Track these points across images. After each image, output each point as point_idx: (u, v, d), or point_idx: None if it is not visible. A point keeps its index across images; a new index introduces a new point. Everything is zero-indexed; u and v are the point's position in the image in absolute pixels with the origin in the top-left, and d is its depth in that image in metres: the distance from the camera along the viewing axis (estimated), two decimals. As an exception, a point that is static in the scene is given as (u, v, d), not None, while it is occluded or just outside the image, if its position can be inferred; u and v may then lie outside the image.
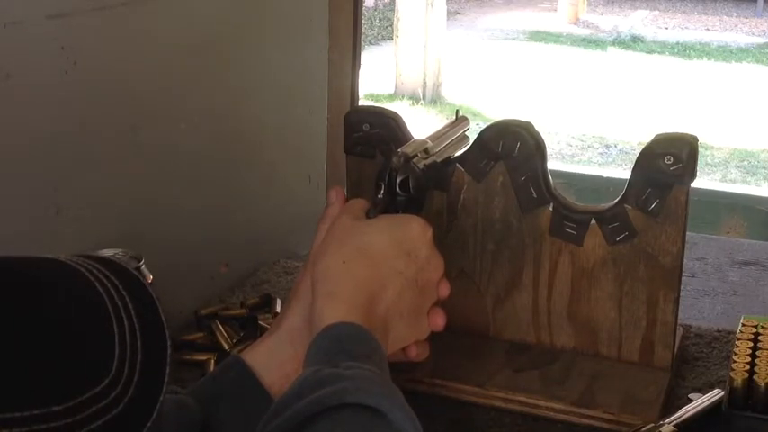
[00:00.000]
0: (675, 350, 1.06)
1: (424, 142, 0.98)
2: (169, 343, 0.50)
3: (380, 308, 0.79)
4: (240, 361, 0.82)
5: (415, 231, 0.84)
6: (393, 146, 1.01)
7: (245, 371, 0.81)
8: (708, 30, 10.51)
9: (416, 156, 0.93)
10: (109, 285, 0.50)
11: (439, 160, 0.99)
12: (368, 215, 0.86)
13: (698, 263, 1.46)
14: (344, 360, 0.69)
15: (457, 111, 1.15)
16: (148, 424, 0.47)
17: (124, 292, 0.50)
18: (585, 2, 11.06)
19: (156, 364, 0.49)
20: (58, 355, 0.46)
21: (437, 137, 1.03)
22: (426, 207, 0.95)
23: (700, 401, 0.99)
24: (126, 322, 0.49)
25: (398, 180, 0.89)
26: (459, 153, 1.07)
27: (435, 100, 7.76)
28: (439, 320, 0.85)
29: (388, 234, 0.83)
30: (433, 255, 0.84)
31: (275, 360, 0.82)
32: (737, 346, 1.02)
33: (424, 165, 0.93)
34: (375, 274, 0.79)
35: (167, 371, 0.49)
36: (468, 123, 1.12)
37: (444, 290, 0.86)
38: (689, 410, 0.97)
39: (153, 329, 0.49)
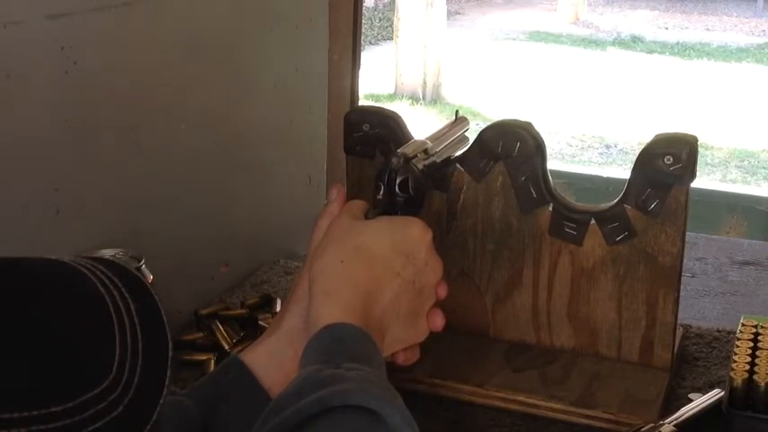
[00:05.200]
0: (675, 350, 1.06)
1: (423, 143, 0.97)
2: (170, 345, 0.50)
3: (377, 308, 0.78)
4: (239, 362, 0.82)
5: (414, 233, 0.83)
6: (393, 146, 1.01)
7: (245, 372, 0.81)
8: (708, 30, 10.50)
9: (416, 156, 0.93)
10: (111, 287, 0.50)
11: (438, 161, 0.99)
12: (367, 216, 0.86)
13: (698, 263, 1.46)
14: (346, 361, 0.69)
15: (456, 111, 1.15)
16: (148, 427, 0.47)
17: (126, 295, 0.50)
18: (585, 2, 11.06)
19: (156, 367, 0.48)
20: (58, 356, 0.46)
21: (437, 137, 1.03)
22: (426, 207, 0.95)
23: (700, 401, 0.99)
24: (127, 324, 0.49)
25: (398, 180, 0.89)
26: (458, 153, 1.07)
27: (435, 100, 7.76)
28: (438, 321, 0.85)
29: (388, 235, 0.82)
30: (432, 258, 0.84)
31: (275, 361, 0.81)
32: (737, 346, 1.02)
33: (424, 165, 0.93)
34: (372, 274, 0.79)
35: (168, 374, 0.49)
36: (468, 124, 1.12)
37: (442, 291, 0.85)
38: (689, 410, 0.97)
39: (154, 332, 0.49)
